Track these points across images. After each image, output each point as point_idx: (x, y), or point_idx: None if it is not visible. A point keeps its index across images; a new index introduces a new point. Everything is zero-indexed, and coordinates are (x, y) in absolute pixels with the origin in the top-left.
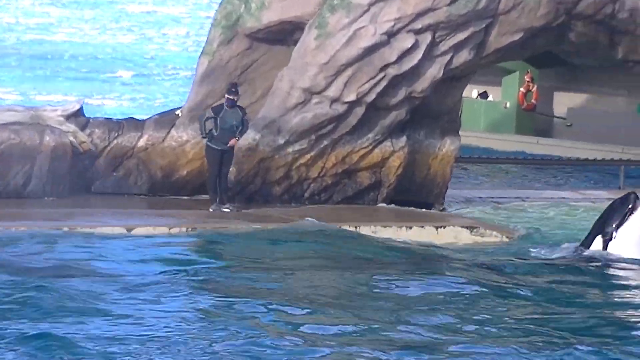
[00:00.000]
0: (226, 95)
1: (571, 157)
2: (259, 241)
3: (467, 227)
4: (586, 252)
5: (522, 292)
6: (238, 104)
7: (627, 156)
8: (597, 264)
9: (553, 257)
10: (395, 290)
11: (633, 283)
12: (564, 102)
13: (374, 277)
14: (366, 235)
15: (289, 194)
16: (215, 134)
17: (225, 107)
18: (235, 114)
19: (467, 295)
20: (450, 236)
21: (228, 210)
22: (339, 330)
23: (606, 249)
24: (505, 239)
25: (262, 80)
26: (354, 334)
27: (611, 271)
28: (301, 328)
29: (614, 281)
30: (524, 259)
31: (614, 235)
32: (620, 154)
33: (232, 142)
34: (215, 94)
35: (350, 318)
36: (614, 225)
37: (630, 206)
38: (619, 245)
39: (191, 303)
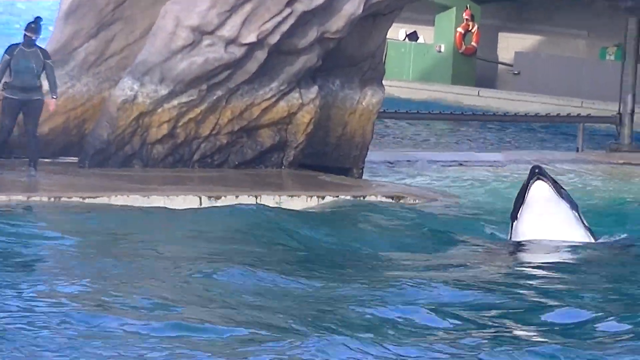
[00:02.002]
0: (24, 32)
1: (519, 113)
2: (130, 219)
3: (391, 197)
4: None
5: (429, 282)
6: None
7: (587, 111)
8: (496, 251)
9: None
10: (281, 284)
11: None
12: (510, 46)
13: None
14: (268, 207)
15: (175, 157)
16: (10, 80)
17: (20, 46)
18: (35, 57)
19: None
20: (370, 208)
21: (33, 176)
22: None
23: (512, 232)
24: (438, 211)
25: (141, 17)
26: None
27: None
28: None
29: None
30: (448, 239)
31: (518, 217)
32: (579, 109)
33: (51, 107)
34: (83, 34)
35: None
36: (518, 205)
37: (528, 183)
38: (520, 228)
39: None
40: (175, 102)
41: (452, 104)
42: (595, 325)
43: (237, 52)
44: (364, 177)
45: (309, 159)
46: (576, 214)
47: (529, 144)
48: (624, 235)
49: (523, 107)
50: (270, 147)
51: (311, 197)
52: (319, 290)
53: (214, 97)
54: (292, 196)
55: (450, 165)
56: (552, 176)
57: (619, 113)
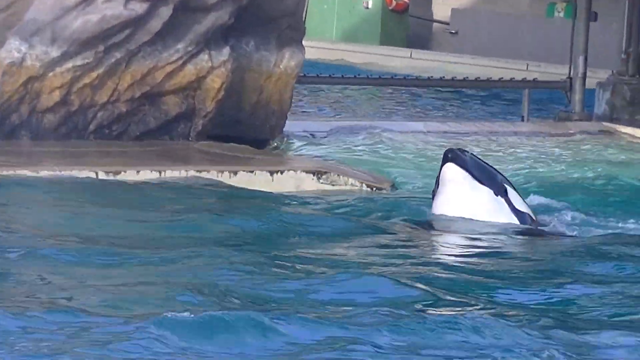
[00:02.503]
0: None
1: (456, 77)
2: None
3: (312, 173)
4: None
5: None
6: None
7: (533, 75)
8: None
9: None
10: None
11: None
12: (446, 1)
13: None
14: (174, 184)
15: (68, 127)
16: None
17: None
18: None
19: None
20: (289, 184)
21: None
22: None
23: (432, 209)
24: (365, 188)
25: None
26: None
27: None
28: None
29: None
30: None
31: (433, 202)
32: (523, 73)
33: None
34: None
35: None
36: (434, 190)
37: (442, 163)
38: (437, 204)
39: None
40: (68, 65)
41: (381, 68)
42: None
43: (138, 8)
44: (282, 149)
45: (220, 129)
46: (502, 198)
47: (466, 112)
48: (575, 221)
49: (461, 71)
50: (176, 116)
51: (222, 172)
52: (231, 277)
53: (112, 60)
54: (200, 171)
55: (369, 135)
56: (475, 156)
57: (569, 77)
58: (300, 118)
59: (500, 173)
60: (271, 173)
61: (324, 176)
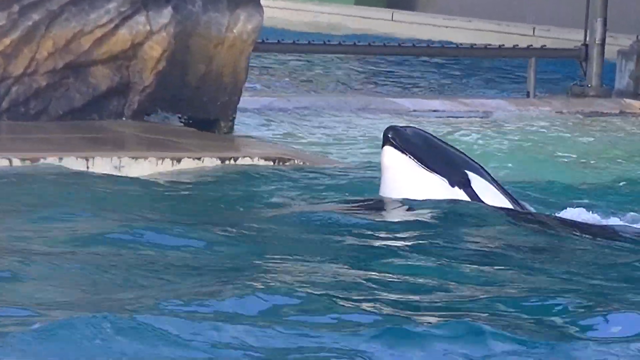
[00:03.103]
0: None
1: (446, 44)
2: None
3: (272, 160)
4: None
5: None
6: None
7: (541, 42)
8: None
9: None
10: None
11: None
12: None
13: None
14: (103, 173)
15: None
16: None
17: None
18: None
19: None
20: (244, 174)
21: None
22: None
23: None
24: (331, 174)
25: None
26: None
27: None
28: None
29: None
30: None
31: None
32: (529, 39)
33: None
34: None
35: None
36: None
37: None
38: (382, 186)
39: None
40: None
41: (356, 32)
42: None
43: None
44: (235, 131)
45: (161, 107)
46: (461, 189)
47: (462, 86)
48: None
49: (452, 36)
50: (107, 91)
51: (163, 159)
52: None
53: (30, 23)
54: (136, 158)
55: (341, 115)
56: (428, 134)
57: (584, 44)
58: (259, 94)
59: (465, 156)
60: (222, 160)
61: (287, 164)
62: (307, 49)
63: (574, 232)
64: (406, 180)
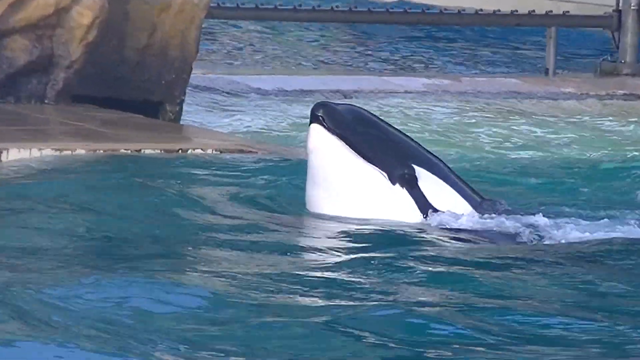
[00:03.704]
0: None
1: (452, 10)
2: None
3: (229, 152)
4: None
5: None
6: None
7: (563, 7)
8: None
9: None
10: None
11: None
12: None
13: None
14: (20, 167)
15: None
16: None
17: None
18: None
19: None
20: (196, 169)
21: None
22: None
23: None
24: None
25: None
26: None
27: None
28: None
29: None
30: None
31: None
32: (549, 4)
33: None
34: None
35: None
36: None
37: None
38: (307, 190)
39: None
40: None
41: None
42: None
43: None
44: (184, 118)
45: (92, 87)
46: (403, 187)
47: (467, 61)
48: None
49: (460, 2)
50: (25, 68)
51: (95, 151)
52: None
53: None
54: (60, 150)
55: (321, 97)
56: (366, 112)
57: (617, 10)
58: (214, 71)
59: (416, 145)
60: (168, 153)
61: (248, 157)
62: (274, 15)
63: (539, 244)
64: (334, 170)
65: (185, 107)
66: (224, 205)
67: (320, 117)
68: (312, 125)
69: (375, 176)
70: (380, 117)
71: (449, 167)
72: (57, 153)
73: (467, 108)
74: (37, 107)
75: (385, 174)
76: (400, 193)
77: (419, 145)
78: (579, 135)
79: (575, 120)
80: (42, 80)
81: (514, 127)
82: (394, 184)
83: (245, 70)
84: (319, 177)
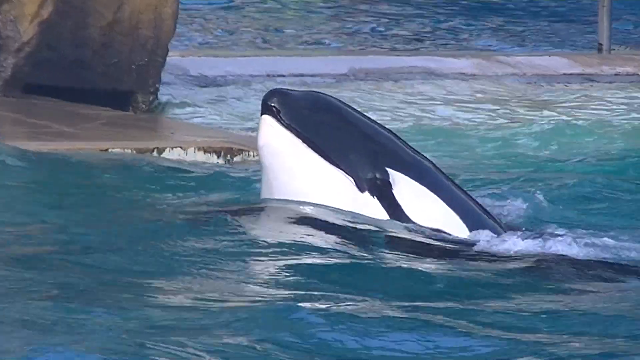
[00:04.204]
0: None
1: None
2: None
3: (214, 152)
4: None
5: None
6: None
7: None
8: None
9: None
10: None
11: None
12: None
13: None
14: None
15: None
16: None
17: None
18: None
19: None
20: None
21: None
22: None
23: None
24: None
25: None
26: None
27: None
28: None
29: None
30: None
31: None
32: None
33: None
34: None
35: None
36: None
37: None
38: (262, 185)
39: None
40: None
41: None
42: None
43: None
44: (159, 109)
45: (48, 75)
46: (372, 195)
47: (504, 39)
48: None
49: None
50: None
51: (55, 150)
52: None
53: None
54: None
55: (325, 81)
56: (332, 100)
57: None
58: (194, 52)
59: (399, 143)
60: (141, 153)
61: (236, 157)
62: None
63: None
64: (290, 173)
65: (160, 97)
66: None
67: (274, 108)
68: (264, 117)
69: (340, 181)
70: (358, 110)
71: (443, 173)
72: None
73: (506, 92)
74: None
75: (352, 179)
76: (370, 202)
77: (405, 144)
78: (628, 123)
79: (629, 106)
80: None
81: (562, 117)
82: (362, 190)
83: (232, 49)
84: (273, 181)
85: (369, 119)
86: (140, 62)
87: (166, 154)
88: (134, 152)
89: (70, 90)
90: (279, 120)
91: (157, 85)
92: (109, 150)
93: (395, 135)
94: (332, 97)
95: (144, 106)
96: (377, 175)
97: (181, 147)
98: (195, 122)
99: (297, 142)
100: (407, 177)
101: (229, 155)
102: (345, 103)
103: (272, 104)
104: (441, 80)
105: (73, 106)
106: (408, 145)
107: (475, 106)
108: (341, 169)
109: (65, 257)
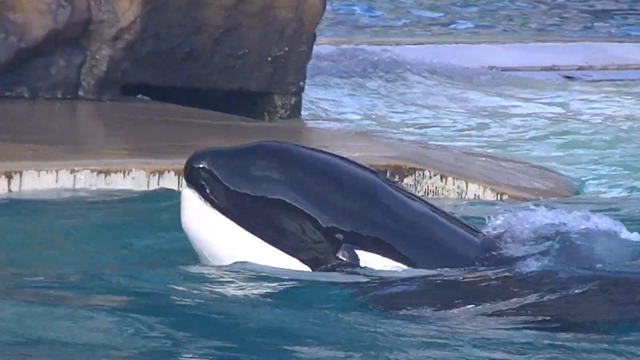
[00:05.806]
0: None
1: None
2: None
3: (382, 171)
4: None
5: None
6: None
7: None
8: None
9: None
10: None
11: None
12: None
13: None
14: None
15: None
16: None
17: None
18: None
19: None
20: None
21: None
22: None
23: None
24: (485, 197)
25: None
26: None
27: None
28: None
29: None
30: None
31: None
32: None
33: None
34: None
35: None
36: None
37: None
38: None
39: None
40: None
41: None
42: None
43: None
44: (303, 116)
45: (153, 72)
46: (295, 259)
47: (560, 23)
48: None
49: None
50: (45, 41)
51: (159, 173)
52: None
53: None
54: (105, 173)
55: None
56: (290, 148)
57: None
58: (351, 39)
59: (384, 199)
60: None
61: (407, 179)
62: None
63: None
64: (219, 258)
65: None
66: None
67: (195, 179)
68: (184, 191)
69: (285, 263)
70: (333, 154)
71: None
72: (97, 180)
73: (575, 89)
74: (66, 105)
75: (299, 260)
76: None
77: (372, 194)
78: None
79: None
80: (73, 60)
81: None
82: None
83: (400, 38)
84: (189, 232)
85: (333, 171)
86: (277, 54)
87: None
88: None
89: (182, 91)
90: (201, 196)
91: (301, 84)
92: None
93: (389, 182)
94: (286, 147)
95: (284, 111)
96: (335, 254)
97: None
98: (346, 128)
99: (227, 223)
100: (373, 254)
101: (397, 176)
102: (314, 151)
103: (194, 175)
104: None
105: (188, 113)
106: (411, 196)
107: None
108: (284, 251)
109: None
